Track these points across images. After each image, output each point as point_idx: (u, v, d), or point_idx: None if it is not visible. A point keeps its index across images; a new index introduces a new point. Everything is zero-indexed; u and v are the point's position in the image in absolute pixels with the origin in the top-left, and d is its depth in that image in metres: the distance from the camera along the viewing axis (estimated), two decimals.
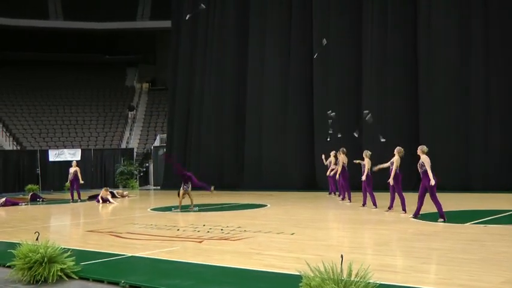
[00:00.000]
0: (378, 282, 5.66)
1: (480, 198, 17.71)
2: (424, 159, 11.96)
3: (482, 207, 15.11)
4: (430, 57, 22.31)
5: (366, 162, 15.34)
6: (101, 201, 20.93)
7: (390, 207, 14.30)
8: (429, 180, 11.75)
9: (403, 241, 9.72)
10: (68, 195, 23.00)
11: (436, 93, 21.96)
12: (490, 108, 21.12)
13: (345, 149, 17.71)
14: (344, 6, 24.52)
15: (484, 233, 10.22)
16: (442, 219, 11.82)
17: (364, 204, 15.84)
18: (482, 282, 6.35)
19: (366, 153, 15.55)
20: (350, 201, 17.32)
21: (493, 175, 20.47)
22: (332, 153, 19.28)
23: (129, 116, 37.38)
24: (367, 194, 15.63)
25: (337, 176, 18.16)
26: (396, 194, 14.01)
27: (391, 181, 13.74)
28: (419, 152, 12.21)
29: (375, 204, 15.27)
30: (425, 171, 11.86)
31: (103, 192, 21.47)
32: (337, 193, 19.54)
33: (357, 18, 24.23)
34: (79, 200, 22.16)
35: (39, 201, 22.54)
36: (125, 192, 24.67)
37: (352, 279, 5.45)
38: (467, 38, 21.59)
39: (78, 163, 23.54)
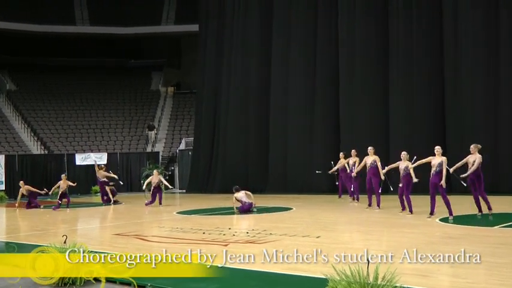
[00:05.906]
0: (404, 286, 5.62)
1: (510, 200, 17.41)
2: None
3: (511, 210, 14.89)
4: (457, 57, 22.10)
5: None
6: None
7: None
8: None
9: (430, 244, 9.61)
10: (94, 199, 23.21)
11: (462, 93, 21.78)
12: None
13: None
14: (369, 4, 24.41)
15: None
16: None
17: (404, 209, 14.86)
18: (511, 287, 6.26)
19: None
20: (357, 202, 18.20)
21: None
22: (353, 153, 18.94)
23: (149, 135, 37.25)
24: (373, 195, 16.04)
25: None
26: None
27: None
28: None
29: (370, 204, 16.03)
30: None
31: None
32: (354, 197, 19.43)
33: (382, 15, 24.12)
34: (104, 204, 22.41)
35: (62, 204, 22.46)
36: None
37: (378, 282, 5.41)
38: (495, 38, 21.32)
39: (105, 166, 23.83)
